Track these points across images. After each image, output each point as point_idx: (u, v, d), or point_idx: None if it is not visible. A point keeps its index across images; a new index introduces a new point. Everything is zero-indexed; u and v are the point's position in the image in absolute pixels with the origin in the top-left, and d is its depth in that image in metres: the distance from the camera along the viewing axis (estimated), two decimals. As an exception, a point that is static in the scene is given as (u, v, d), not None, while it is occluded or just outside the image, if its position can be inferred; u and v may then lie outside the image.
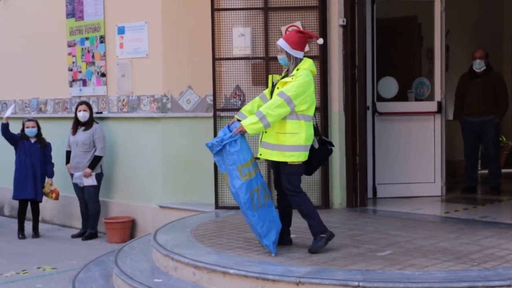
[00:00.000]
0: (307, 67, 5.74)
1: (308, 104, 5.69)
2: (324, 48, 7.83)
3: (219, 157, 5.68)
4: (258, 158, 5.92)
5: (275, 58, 7.78)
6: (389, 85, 8.79)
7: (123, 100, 9.07)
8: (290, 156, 5.66)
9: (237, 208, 7.70)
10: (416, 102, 8.90)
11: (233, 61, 7.98)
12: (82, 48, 9.66)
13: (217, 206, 8.00)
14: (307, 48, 7.76)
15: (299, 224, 6.98)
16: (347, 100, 7.94)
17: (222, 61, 8.00)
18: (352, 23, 7.89)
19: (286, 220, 6.03)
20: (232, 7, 7.97)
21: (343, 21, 7.86)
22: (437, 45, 8.63)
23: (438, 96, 8.69)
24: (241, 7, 7.96)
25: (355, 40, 7.93)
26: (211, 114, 8.08)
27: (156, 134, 8.65)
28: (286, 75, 5.80)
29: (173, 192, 8.53)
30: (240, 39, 8.03)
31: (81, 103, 9.07)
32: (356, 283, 4.80)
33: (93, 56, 9.49)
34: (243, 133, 5.64)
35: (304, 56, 5.81)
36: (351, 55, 7.91)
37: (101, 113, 9.31)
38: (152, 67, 8.70)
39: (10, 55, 10.93)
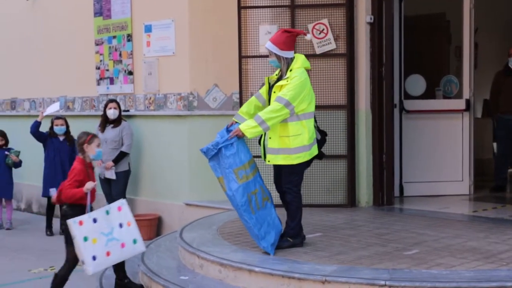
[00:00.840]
0: (300, 64, 5.72)
1: (307, 102, 5.69)
2: (351, 46, 7.79)
3: (214, 161, 5.63)
4: (266, 160, 5.89)
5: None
6: (417, 83, 8.73)
7: (150, 98, 9.10)
8: (297, 158, 5.68)
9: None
10: (444, 100, 8.82)
11: (260, 58, 7.96)
12: (110, 47, 9.71)
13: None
14: (333, 46, 7.77)
15: (326, 222, 6.99)
16: (374, 98, 7.89)
17: (248, 58, 7.99)
18: (380, 20, 7.84)
19: None
20: (259, 4, 7.95)
21: (371, 19, 7.81)
22: (466, 42, 8.54)
23: (466, 93, 8.60)
24: (268, 4, 7.94)
25: (382, 38, 7.87)
26: (237, 112, 8.06)
27: (182, 132, 8.67)
28: (280, 76, 5.78)
29: (200, 190, 8.55)
30: (267, 36, 7.97)
31: (111, 100, 9.12)
32: (382, 282, 4.76)
33: (120, 55, 9.54)
34: (240, 136, 5.62)
35: (304, 54, 5.84)
36: (378, 52, 7.85)
37: (128, 111, 9.36)
38: (178, 65, 8.72)
39: (38, 53, 11.03)
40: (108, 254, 5.51)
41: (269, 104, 5.77)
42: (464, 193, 8.56)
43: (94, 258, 5.47)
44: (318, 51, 7.86)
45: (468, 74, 8.57)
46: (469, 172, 8.63)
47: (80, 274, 7.01)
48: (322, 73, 7.83)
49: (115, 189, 8.99)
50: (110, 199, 9.09)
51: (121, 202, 5.64)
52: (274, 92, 5.69)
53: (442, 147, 8.57)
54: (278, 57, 5.70)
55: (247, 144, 5.88)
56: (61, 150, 9.33)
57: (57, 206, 9.39)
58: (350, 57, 7.79)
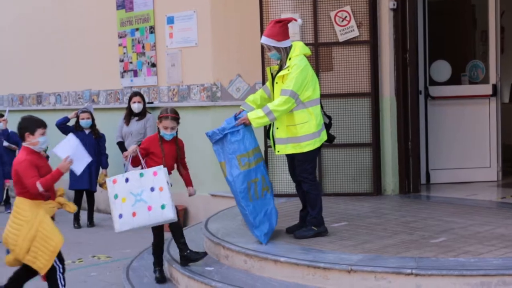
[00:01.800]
0: (299, 52, 5.69)
1: (312, 88, 5.68)
2: (374, 33, 7.72)
3: (218, 145, 5.69)
4: (275, 150, 5.89)
5: (325, 44, 7.81)
6: (442, 69, 8.62)
7: (174, 89, 9.11)
8: (306, 145, 5.67)
9: (288, 195, 7.69)
10: (470, 85, 8.71)
11: (282, 48, 7.91)
12: (133, 39, 9.73)
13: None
14: (356, 33, 7.71)
15: (351, 210, 6.96)
16: (398, 85, 7.81)
17: (271, 48, 7.95)
18: (403, 6, 7.75)
19: (307, 207, 6.00)
20: (280, -7, 7.91)
21: (394, 4, 7.73)
22: (491, 26, 8.41)
23: (493, 78, 8.47)
24: (290, -7, 7.90)
25: (406, 24, 7.79)
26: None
27: (206, 122, 8.65)
28: (281, 67, 5.76)
29: (224, 181, 8.47)
30: (289, 25, 7.94)
31: (135, 94, 9.14)
32: (409, 271, 4.73)
33: (143, 47, 9.56)
34: (247, 124, 5.65)
35: (301, 41, 5.82)
36: (402, 39, 7.77)
37: (152, 103, 9.38)
38: (201, 56, 8.71)
39: (62, 48, 11.09)
40: (134, 214, 5.51)
41: (273, 95, 5.80)
42: (492, 180, 8.46)
43: (120, 216, 5.53)
44: (341, 38, 7.80)
45: (494, 59, 8.44)
46: (497, 158, 8.52)
47: (107, 266, 7.07)
48: (345, 61, 7.77)
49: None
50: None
51: (159, 167, 5.61)
52: (277, 83, 5.70)
53: (468, 133, 8.46)
54: (278, 49, 5.70)
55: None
56: (87, 143, 9.31)
57: (84, 199, 9.47)
58: (373, 44, 7.72)
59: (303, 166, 5.77)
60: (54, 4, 11.22)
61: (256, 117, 5.58)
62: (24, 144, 5.47)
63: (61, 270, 5.50)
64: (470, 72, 8.76)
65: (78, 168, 5.52)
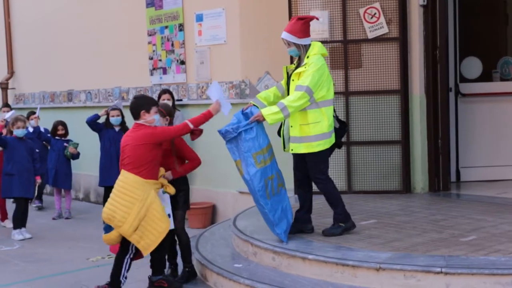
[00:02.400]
0: (317, 51, 5.68)
1: (326, 88, 5.65)
2: (403, 30, 7.66)
3: (232, 144, 5.62)
4: (286, 149, 5.88)
5: (354, 41, 7.77)
6: (473, 66, 8.55)
7: (202, 87, 9.14)
8: (317, 145, 5.64)
9: (316, 193, 7.67)
10: (501, 82, 8.62)
11: (311, 45, 7.89)
12: (162, 37, 9.78)
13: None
14: (386, 30, 7.66)
15: (380, 208, 6.93)
16: (428, 83, 7.75)
17: (299, 45, 7.93)
18: (433, 3, 7.68)
19: (306, 207, 5.98)
20: (309, -10, 7.89)
21: (424, 1, 7.66)
22: (523, 22, 8.32)
23: (525, 75, 8.39)
24: (319, -10, 7.88)
25: (436, 20, 7.72)
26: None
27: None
28: (298, 65, 5.75)
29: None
30: (318, 22, 7.91)
31: (164, 91, 9.17)
32: (438, 269, 4.70)
33: (172, 44, 9.60)
34: (260, 121, 5.59)
35: (321, 41, 5.79)
36: (432, 35, 7.70)
37: (181, 100, 9.42)
38: (230, 54, 8.73)
39: (93, 45, 11.18)
40: None
41: (288, 93, 5.78)
42: (523, 178, 8.37)
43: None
44: (370, 35, 7.75)
45: (526, 55, 8.36)
46: (528, 156, 8.43)
47: (136, 263, 7.11)
48: (374, 58, 7.73)
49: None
50: (165, 188, 9.19)
51: None
52: (293, 80, 5.68)
53: (499, 130, 8.37)
54: (297, 45, 5.69)
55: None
56: (116, 140, 9.41)
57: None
58: (403, 41, 7.66)
59: (316, 166, 5.73)
60: (85, 2, 11.31)
61: (271, 113, 5.52)
62: (137, 121, 5.57)
63: (131, 255, 5.60)
64: (501, 68, 8.67)
65: (226, 110, 5.73)
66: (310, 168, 5.77)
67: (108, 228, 5.57)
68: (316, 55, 5.65)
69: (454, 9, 8.20)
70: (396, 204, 7.14)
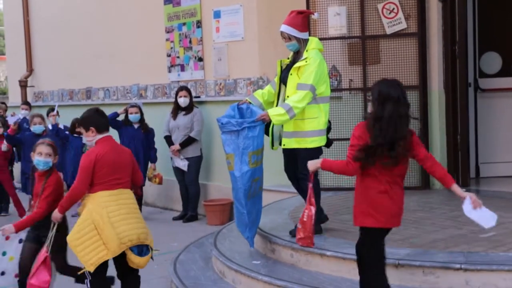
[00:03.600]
0: (315, 46, 5.61)
1: (325, 84, 5.59)
2: (422, 25, 7.61)
3: (230, 136, 5.52)
4: (275, 147, 5.83)
5: (372, 37, 7.73)
6: (492, 61, 8.47)
7: (220, 84, 9.14)
8: (312, 142, 5.56)
9: (334, 189, 7.66)
10: (521, 77, 8.54)
11: (329, 41, 7.88)
12: (180, 34, 9.80)
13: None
14: (404, 25, 7.62)
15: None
16: (447, 78, 7.69)
17: (317, 41, 7.91)
18: (452, -3, 7.64)
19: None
20: (327, -14, 7.87)
21: (442, -4, 7.62)
22: (543, 16, 8.23)
23: (545, 70, 8.31)
24: (336, -15, 7.85)
25: (455, 15, 7.66)
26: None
27: (253, 116, 8.67)
28: (295, 59, 5.66)
29: (271, 174, 8.49)
30: (336, 18, 7.92)
31: (181, 88, 9.19)
32: (458, 266, 4.67)
33: (190, 41, 9.61)
34: (266, 121, 5.53)
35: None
36: (451, 30, 7.65)
37: (199, 97, 9.43)
38: (248, 50, 8.72)
39: (110, 43, 11.23)
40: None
41: (279, 87, 5.72)
42: (543, 173, 8.29)
43: (2, 273, 5.64)
44: (389, 31, 7.72)
45: (546, 50, 8.27)
46: (549, 151, 8.35)
47: (155, 259, 7.14)
48: (393, 53, 7.69)
49: (189, 175, 9.10)
50: (183, 185, 9.22)
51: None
52: (291, 74, 5.57)
53: (519, 126, 8.31)
54: (298, 39, 5.60)
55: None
56: (135, 138, 9.47)
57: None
58: (421, 36, 7.62)
59: (306, 163, 5.61)
60: (103, 0, 11.36)
61: (277, 114, 5.45)
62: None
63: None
64: (521, 63, 8.59)
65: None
66: (300, 164, 5.59)
67: (140, 250, 5.14)
68: (315, 49, 5.60)
69: (473, 3, 8.14)
70: (415, 200, 7.09)
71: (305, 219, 5.16)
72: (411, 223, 6.02)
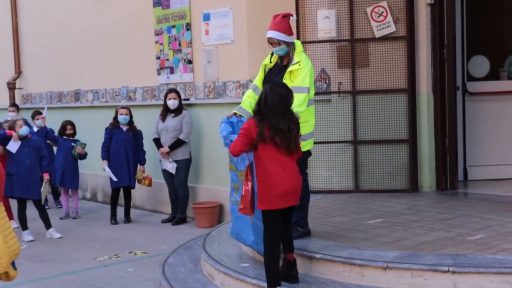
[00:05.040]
0: (301, 49, 5.59)
1: (312, 87, 5.57)
2: (411, 28, 7.65)
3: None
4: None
5: (361, 40, 7.76)
6: (480, 64, 8.52)
7: (209, 86, 9.14)
8: (306, 144, 5.54)
9: (323, 192, 7.67)
10: (509, 80, 8.58)
11: (318, 44, 7.90)
12: (169, 36, 9.79)
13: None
14: (393, 29, 7.66)
15: (387, 207, 6.92)
16: (435, 81, 7.73)
17: (307, 44, 7.90)
18: (441, 1, 7.67)
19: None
20: (316, -11, 7.88)
21: (431, 0, 7.65)
22: (531, 21, 8.29)
23: (532, 74, 8.36)
24: (325, -11, 7.87)
25: (443, 19, 7.70)
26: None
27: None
28: (282, 63, 5.58)
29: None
30: (325, 21, 7.94)
31: (171, 91, 9.18)
32: (446, 268, 4.68)
33: (179, 44, 9.60)
34: None
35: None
36: (439, 34, 7.69)
37: (188, 99, 9.42)
38: (237, 53, 8.72)
39: (100, 45, 11.20)
40: None
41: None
42: (531, 177, 8.34)
43: None
44: (378, 34, 7.75)
45: (533, 54, 8.32)
46: (536, 155, 8.39)
47: (144, 262, 7.13)
48: (382, 57, 7.72)
49: (177, 178, 9.09)
50: (172, 188, 9.20)
51: None
52: (285, 78, 5.45)
53: (506, 129, 8.35)
54: (287, 43, 5.51)
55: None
56: (125, 140, 9.45)
57: (121, 195, 9.56)
58: (410, 39, 7.65)
59: (302, 167, 5.44)
60: (92, 2, 11.33)
61: None
62: None
63: None
64: (509, 67, 8.64)
65: None
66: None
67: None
68: (302, 52, 5.58)
69: (461, 7, 8.17)
70: (403, 203, 7.12)
71: (243, 193, 5.14)
72: (400, 225, 6.05)
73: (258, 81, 5.74)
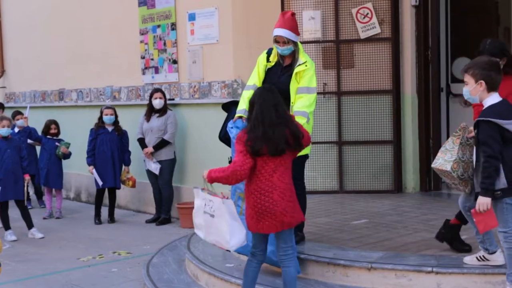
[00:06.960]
0: (303, 48, 5.52)
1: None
2: (396, 30, 7.69)
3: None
4: None
5: (346, 41, 7.79)
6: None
7: (195, 86, 9.13)
8: (307, 147, 5.43)
9: (308, 192, 7.68)
10: (492, 83, 8.61)
11: (304, 44, 7.81)
12: (154, 36, 9.76)
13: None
14: (378, 30, 7.68)
15: (372, 208, 6.94)
16: (420, 83, 7.78)
17: (292, 45, 7.94)
18: (425, 3, 7.72)
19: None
20: (302, -10, 7.90)
21: (416, 1, 7.69)
22: (514, 23, 8.35)
23: (515, 76, 8.39)
24: (311, -10, 7.88)
25: (428, 21, 7.76)
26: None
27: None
28: (285, 62, 5.48)
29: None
30: (310, 22, 7.96)
31: (156, 90, 9.15)
32: (429, 269, 4.71)
33: (164, 44, 9.58)
34: None
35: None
36: (424, 35, 7.74)
37: (173, 99, 9.40)
38: (222, 53, 8.72)
39: (84, 44, 11.15)
40: None
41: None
42: (514, 178, 8.37)
43: None
44: (363, 35, 7.77)
45: (517, 56, 8.35)
46: (520, 156, 8.43)
47: (128, 262, 7.11)
48: (366, 58, 7.75)
49: (162, 178, 9.06)
50: (157, 188, 9.18)
51: None
52: (295, 79, 5.38)
53: (490, 131, 8.38)
54: (295, 43, 5.39)
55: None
56: (110, 140, 9.41)
57: (106, 195, 9.52)
58: (395, 41, 7.69)
59: (301, 170, 5.51)
60: (77, 1, 11.29)
61: (303, 124, 5.10)
62: None
63: None
64: (492, 69, 8.67)
65: None
66: (296, 170, 5.33)
67: None
68: (305, 52, 5.54)
69: (446, 9, 8.22)
70: (387, 203, 7.15)
71: None
72: (384, 226, 6.07)
73: (258, 81, 5.56)
